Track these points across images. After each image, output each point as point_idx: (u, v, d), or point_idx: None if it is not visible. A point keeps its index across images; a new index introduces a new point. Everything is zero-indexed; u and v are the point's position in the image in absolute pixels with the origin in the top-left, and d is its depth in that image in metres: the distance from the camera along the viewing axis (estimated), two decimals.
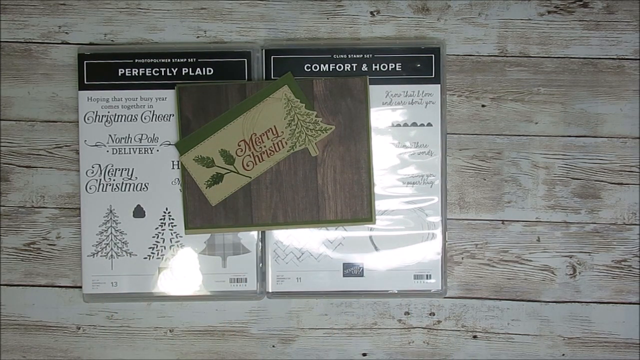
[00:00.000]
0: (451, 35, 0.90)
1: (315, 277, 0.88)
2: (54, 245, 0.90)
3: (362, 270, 0.88)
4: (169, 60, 0.87)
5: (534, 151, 0.90)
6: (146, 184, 0.88)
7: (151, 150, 0.88)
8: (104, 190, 0.87)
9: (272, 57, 0.87)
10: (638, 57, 0.90)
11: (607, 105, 0.90)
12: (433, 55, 0.88)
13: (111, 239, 0.88)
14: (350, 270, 0.88)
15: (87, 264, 0.88)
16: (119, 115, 0.88)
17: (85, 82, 0.88)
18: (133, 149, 0.88)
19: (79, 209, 0.88)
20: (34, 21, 0.90)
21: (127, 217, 0.88)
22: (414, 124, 0.88)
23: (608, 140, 0.90)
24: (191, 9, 0.90)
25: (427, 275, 0.88)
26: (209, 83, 0.87)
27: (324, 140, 0.87)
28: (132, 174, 0.88)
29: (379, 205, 0.88)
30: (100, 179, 0.87)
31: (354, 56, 0.88)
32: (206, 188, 0.86)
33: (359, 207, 0.87)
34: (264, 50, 0.88)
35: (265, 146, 0.86)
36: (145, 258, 0.88)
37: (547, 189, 0.90)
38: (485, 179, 0.90)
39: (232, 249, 0.88)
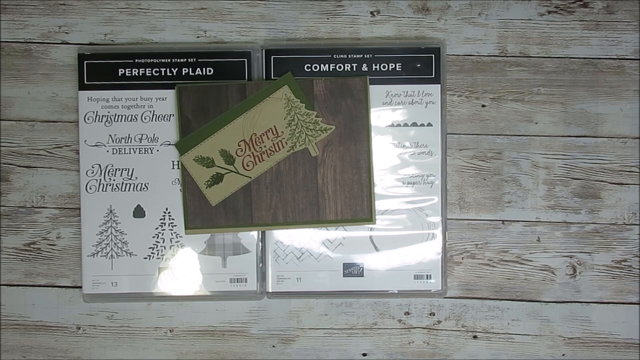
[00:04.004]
0: (451, 35, 0.90)
1: (315, 277, 0.88)
2: (54, 245, 0.90)
3: (362, 270, 0.88)
4: (169, 60, 0.88)
5: (534, 151, 0.90)
6: (146, 184, 0.88)
7: (151, 150, 0.88)
8: (104, 190, 0.87)
9: (272, 57, 0.87)
10: (638, 57, 0.90)
11: (607, 105, 0.90)
12: (433, 55, 0.88)
13: (111, 239, 0.88)
14: (351, 270, 0.88)
15: (87, 264, 0.88)
16: (119, 115, 0.88)
17: (85, 82, 0.88)
18: (133, 149, 0.88)
19: (79, 209, 0.88)
20: (34, 21, 0.90)
21: (127, 217, 0.88)
22: (414, 124, 0.88)
23: (608, 140, 0.90)
24: (191, 9, 0.90)
25: (427, 275, 0.88)
26: (209, 83, 0.87)
27: (324, 140, 0.87)
28: (132, 174, 0.88)
29: (379, 205, 0.88)
30: (100, 179, 0.87)
31: (354, 56, 0.88)
32: (206, 188, 0.86)
33: (359, 207, 0.87)
34: (264, 50, 0.88)
35: (265, 146, 0.86)
36: (146, 258, 0.88)
37: (547, 189, 0.90)
38: (485, 179, 0.90)
39: (232, 249, 0.88)
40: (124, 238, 0.88)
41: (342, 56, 0.88)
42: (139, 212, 0.88)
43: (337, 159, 0.87)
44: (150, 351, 0.90)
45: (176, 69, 0.88)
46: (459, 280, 0.90)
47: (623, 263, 0.90)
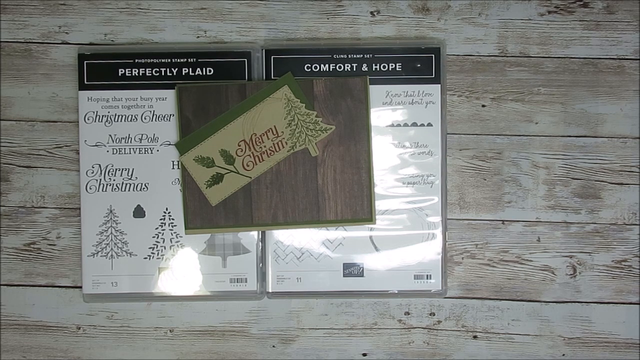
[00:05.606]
0: (451, 35, 0.90)
1: (315, 277, 0.88)
2: (54, 245, 0.90)
3: (362, 270, 0.88)
4: (169, 60, 0.88)
5: (534, 151, 0.90)
6: (146, 184, 0.88)
7: (151, 150, 0.88)
8: (104, 190, 0.87)
9: (272, 57, 0.87)
10: (638, 57, 0.90)
11: (607, 105, 0.90)
12: (433, 55, 0.88)
13: (111, 239, 0.88)
14: (351, 270, 0.88)
15: (87, 264, 0.88)
16: (119, 115, 0.88)
17: (86, 82, 0.88)
18: (133, 149, 0.88)
19: (79, 209, 0.88)
20: (34, 21, 0.90)
21: (127, 217, 0.88)
22: (414, 124, 0.88)
23: (608, 140, 0.90)
24: (191, 9, 0.90)
25: (427, 275, 0.88)
26: (209, 83, 0.87)
27: (324, 140, 0.87)
28: (132, 174, 0.88)
29: (379, 205, 0.88)
30: (101, 179, 0.87)
31: (354, 56, 0.88)
32: (206, 188, 0.86)
33: (359, 207, 0.87)
34: (264, 50, 0.88)
35: (265, 146, 0.86)
36: (146, 258, 0.88)
37: (547, 189, 0.90)
38: (485, 179, 0.90)
39: (232, 249, 0.88)
40: (124, 238, 0.88)
41: (342, 56, 0.88)
42: (139, 212, 0.88)
43: (337, 159, 0.87)
44: (150, 351, 0.90)
45: (176, 69, 0.88)
46: (459, 280, 0.90)
47: (623, 263, 0.90)
